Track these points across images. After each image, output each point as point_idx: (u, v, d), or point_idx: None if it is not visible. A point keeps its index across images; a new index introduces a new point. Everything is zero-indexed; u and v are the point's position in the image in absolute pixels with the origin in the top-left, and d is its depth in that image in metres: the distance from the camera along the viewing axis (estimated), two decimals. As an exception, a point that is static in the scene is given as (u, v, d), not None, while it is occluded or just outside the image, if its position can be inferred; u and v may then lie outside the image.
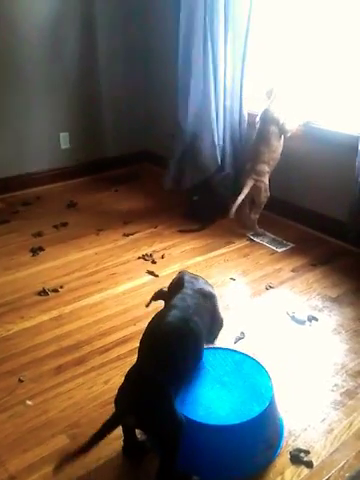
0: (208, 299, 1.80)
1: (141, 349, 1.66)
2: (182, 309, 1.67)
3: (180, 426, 1.47)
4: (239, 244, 3.14)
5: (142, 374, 1.52)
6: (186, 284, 1.78)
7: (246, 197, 3.12)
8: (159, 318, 1.68)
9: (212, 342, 1.88)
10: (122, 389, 1.54)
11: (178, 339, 1.60)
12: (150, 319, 1.72)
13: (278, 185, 3.31)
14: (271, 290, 2.67)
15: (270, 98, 3.13)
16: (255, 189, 3.13)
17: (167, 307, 1.73)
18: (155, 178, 4.01)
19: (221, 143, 3.41)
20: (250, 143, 3.30)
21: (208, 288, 1.84)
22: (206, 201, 3.37)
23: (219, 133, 3.39)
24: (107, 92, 4.11)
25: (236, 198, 3.07)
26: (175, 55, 3.31)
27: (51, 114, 3.90)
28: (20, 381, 2.03)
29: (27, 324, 2.39)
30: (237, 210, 3.09)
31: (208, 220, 3.35)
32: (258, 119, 3.21)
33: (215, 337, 1.89)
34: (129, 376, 1.56)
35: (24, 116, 3.79)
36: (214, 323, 1.84)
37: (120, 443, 1.74)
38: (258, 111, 3.23)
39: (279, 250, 3.08)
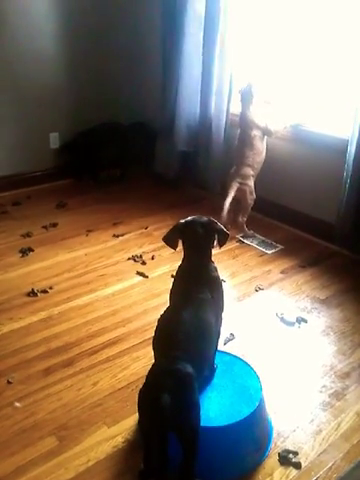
0: (215, 289, 1.75)
1: (160, 347, 1.61)
2: (195, 305, 1.64)
3: (200, 420, 1.45)
4: (228, 246, 3.14)
5: (171, 367, 1.46)
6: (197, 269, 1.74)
7: (232, 201, 3.13)
8: (173, 315, 1.64)
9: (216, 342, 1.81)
10: (147, 385, 1.48)
11: (197, 334, 1.58)
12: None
13: (268, 187, 3.33)
14: (260, 292, 2.68)
15: (246, 100, 3.14)
16: (240, 192, 3.14)
17: (181, 301, 1.68)
18: (145, 179, 4.01)
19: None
20: (234, 146, 3.31)
21: (215, 273, 1.78)
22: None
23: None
24: (97, 91, 4.11)
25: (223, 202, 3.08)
26: (162, 56, 3.39)
27: (40, 114, 3.88)
28: (8, 383, 2.02)
29: (16, 325, 2.37)
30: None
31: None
32: (238, 123, 3.23)
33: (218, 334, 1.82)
34: (155, 371, 1.50)
35: (13, 116, 3.77)
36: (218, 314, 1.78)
37: (110, 444, 1.75)
38: (238, 114, 3.25)
39: (268, 252, 3.09)
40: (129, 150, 4.04)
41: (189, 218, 1.79)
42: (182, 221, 1.78)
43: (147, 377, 1.51)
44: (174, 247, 1.78)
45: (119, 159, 4.07)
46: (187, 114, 3.54)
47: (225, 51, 3.25)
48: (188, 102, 3.51)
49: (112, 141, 4.01)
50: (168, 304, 1.77)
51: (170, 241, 1.79)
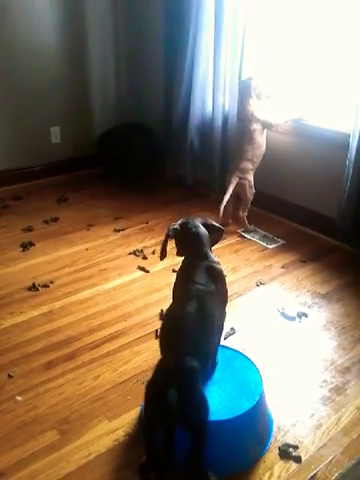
0: (219, 282, 1.76)
1: (166, 342, 1.63)
2: (199, 299, 1.65)
3: (208, 412, 1.47)
4: (230, 240, 3.14)
5: (177, 361, 1.48)
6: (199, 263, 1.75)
7: (232, 195, 3.12)
8: (177, 310, 1.66)
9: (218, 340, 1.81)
10: (153, 381, 1.49)
11: (201, 327, 1.59)
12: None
13: (269, 182, 3.32)
14: (261, 286, 2.68)
15: (245, 93, 3.12)
16: (240, 187, 3.13)
17: (184, 295, 1.70)
18: (146, 174, 4.01)
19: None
20: (233, 140, 3.29)
21: (218, 266, 1.79)
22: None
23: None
24: (98, 86, 4.10)
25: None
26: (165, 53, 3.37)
27: (41, 108, 3.88)
28: (10, 377, 2.03)
29: (17, 319, 2.38)
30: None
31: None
32: (237, 117, 3.21)
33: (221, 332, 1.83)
34: (161, 367, 1.52)
35: (14, 110, 3.76)
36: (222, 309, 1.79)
37: (111, 438, 1.75)
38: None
39: (270, 246, 3.09)
40: (131, 148, 4.03)
41: (179, 221, 1.84)
42: (174, 226, 1.82)
43: (154, 373, 1.52)
44: (163, 254, 1.85)
45: (123, 156, 4.06)
46: (198, 116, 3.51)
47: (237, 47, 3.19)
48: (200, 103, 3.47)
49: (117, 139, 4.01)
50: (170, 299, 1.77)
51: (163, 247, 1.85)
